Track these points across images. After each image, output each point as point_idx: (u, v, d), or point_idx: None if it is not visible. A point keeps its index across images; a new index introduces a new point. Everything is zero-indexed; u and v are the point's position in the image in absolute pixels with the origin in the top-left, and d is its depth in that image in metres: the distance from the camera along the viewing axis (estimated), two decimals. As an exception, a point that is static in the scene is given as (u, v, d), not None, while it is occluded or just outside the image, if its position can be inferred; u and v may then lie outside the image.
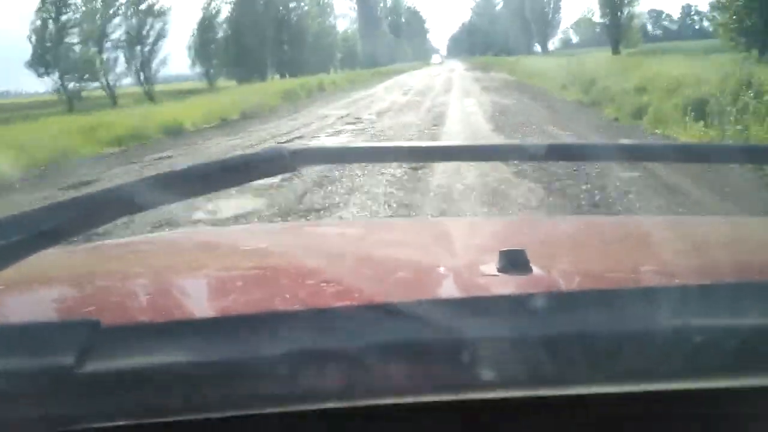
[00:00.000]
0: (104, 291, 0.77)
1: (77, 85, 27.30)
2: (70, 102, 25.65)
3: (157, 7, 31.33)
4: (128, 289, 0.77)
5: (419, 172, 6.38)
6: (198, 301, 0.72)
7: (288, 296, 0.68)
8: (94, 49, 27.61)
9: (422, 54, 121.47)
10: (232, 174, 0.56)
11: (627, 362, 0.47)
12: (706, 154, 0.72)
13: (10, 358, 0.47)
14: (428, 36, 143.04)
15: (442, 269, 0.77)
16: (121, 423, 0.47)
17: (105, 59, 28.20)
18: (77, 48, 27.36)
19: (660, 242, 0.90)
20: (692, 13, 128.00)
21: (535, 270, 0.62)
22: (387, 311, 0.50)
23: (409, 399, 0.48)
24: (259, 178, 0.57)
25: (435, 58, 63.95)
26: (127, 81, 30.86)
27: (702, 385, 0.48)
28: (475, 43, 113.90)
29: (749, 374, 0.48)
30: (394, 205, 5.17)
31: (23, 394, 0.46)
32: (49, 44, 26.34)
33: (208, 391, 0.47)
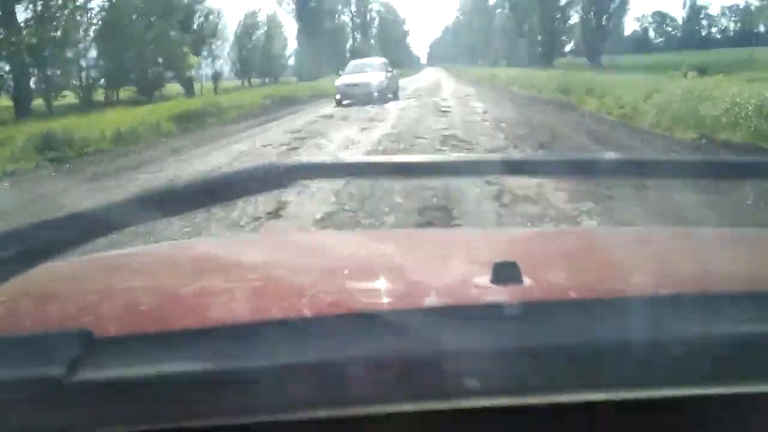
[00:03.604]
0: (99, 302, 0.72)
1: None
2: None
3: None
4: (123, 300, 0.73)
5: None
6: (191, 312, 0.65)
7: (280, 307, 0.64)
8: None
9: (402, 61, 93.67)
10: (223, 190, 0.52)
11: (614, 371, 0.46)
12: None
13: (1, 369, 0.45)
14: (408, 39, 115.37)
15: (435, 281, 0.74)
16: None
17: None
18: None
19: (652, 254, 0.86)
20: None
21: (527, 282, 0.60)
22: (378, 322, 0.49)
23: (399, 408, 0.46)
24: (253, 194, 0.53)
25: (356, 74, 16.89)
26: None
27: (687, 393, 0.47)
28: (461, 49, 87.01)
29: (729, 383, 0.47)
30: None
31: (13, 404, 0.44)
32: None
33: (199, 400, 0.45)
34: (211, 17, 28.28)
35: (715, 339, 0.47)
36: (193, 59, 22.64)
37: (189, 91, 25.54)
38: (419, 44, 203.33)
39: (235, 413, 0.45)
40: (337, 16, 53.07)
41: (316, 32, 42.16)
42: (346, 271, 0.81)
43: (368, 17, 66.07)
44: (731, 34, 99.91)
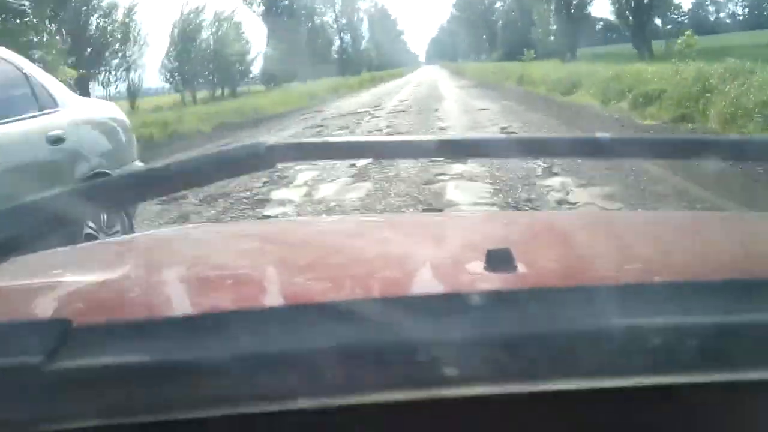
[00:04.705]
0: (77, 292, 0.69)
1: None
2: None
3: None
4: (102, 290, 0.69)
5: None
6: (170, 301, 0.64)
7: (261, 296, 0.62)
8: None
9: (398, 61, 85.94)
10: (205, 171, 0.52)
11: (603, 358, 0.45)
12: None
13: None
14: (404, 38, 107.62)
15: (426, 267, 0.70)
16: (89, 423, 0.43)
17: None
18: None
19: (646, 238, 0.83)
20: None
21: (521, 268, 0.58)
22: (363, 310, 0.47)
23: (384, 397, 0.44)
24: (234, 175, 0.52)
25: None
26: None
27: (682, 380, 0.45)
28: (461, 45, 79.86)
29: (711, 371, 0.46)
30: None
31: None
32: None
33: (177, 390, 0.43)
34: (114, 16, 20.10)
35: (707, 327, 0.45)
36: (68, 71, 14.66)
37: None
38: (417, 43, 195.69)
39: (214, 404, 0.43)
40: (317, 17, 45.06)
41: (289, 35, 34.37)
42: (336, 259, 0.78)
43: (356, 17, 58.23)
44: (740, 18, 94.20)
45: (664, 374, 0.45)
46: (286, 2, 38.62)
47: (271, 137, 8.99)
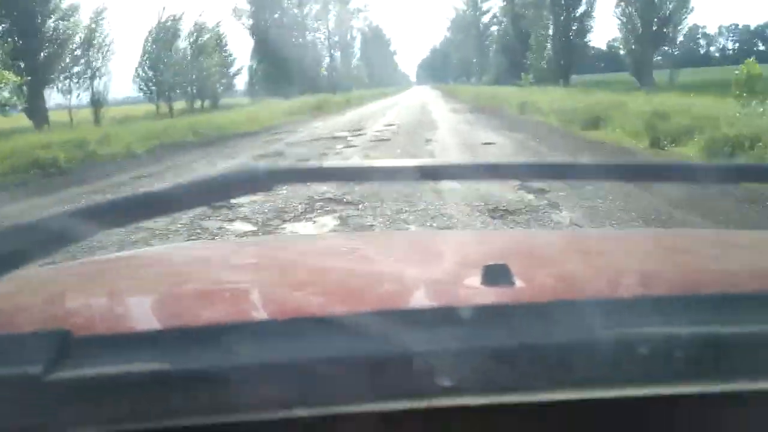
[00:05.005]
0: (77, 304, 0.72)
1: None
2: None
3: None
4: (101, 302, 0.72)
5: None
6: (167, 313, 0.65)
7: (259, 308, 0.65)
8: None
9: (389, 80, 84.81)
10: (204, 194, 0.53)
11: (604, 371, 0.46)
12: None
13: None
14: (395, 58, 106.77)
15: (424, 282, 0.71)
16: (88, 431, 0.44)
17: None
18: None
19: (639, 255, 0.86)
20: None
21: (518, 284, 0.59)
22: (363, 324, 0.48)
23: (379, 407, 0.45)
24: (234, 197, 0.59)
25: None
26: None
27: (672, 390, 0.46)
28: (451, 68, 79.14)
29: (699, 381, 0.46)
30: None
31: None
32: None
33: (176, 400, 0.44)
34: (74, 19, 18.08)
35: (694, 339, 0.46)
36: (5, 75, 12.73)
37: (38, 123, 15.75)
38: (408, 64, 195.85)
39: (211, 413, 0.44)
40: (308, 33, 43.45)
41: (278, 49, 32.72)
42: (334, 274, 0.78)
43: (349, 36, 56.76)
44: (730, 52, 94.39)
45: (654, 384, 0.45)
46: (276, 16, 37.15)
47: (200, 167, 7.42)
